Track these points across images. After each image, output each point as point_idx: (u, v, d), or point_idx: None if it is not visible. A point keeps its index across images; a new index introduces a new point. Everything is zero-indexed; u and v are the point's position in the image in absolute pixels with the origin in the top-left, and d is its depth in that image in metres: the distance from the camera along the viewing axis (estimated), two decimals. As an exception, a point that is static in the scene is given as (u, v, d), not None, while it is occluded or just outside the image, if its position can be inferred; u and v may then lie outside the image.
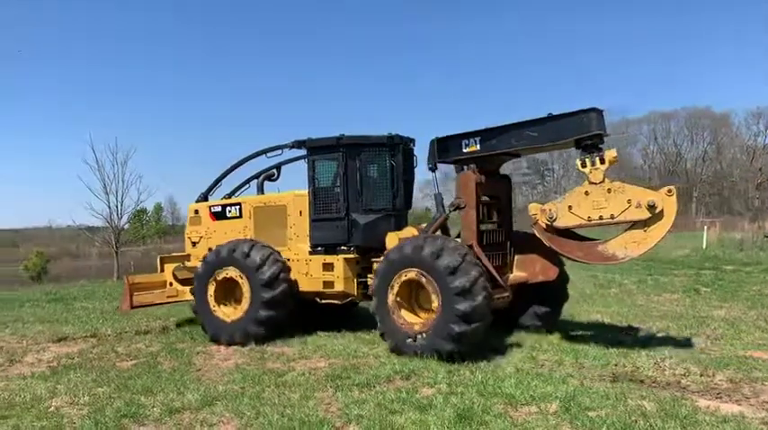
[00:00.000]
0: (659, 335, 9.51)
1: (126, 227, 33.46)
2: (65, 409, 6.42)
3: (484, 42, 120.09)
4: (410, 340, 8.11)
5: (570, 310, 11.76)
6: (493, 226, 9.46)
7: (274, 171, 11.27)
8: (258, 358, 8.54)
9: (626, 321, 10.64)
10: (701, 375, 7.03)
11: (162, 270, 11.78)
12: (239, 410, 6.15)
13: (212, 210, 11.30)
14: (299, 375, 7.42)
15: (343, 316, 10.73)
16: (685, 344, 8.82)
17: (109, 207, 29.80)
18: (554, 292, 9.66)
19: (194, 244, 11.48)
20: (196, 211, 11.55)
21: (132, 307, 11.23)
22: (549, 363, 7.71)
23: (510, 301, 9.02)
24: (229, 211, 11.10)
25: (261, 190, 11.25)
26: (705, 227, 32.44)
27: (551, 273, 9.23)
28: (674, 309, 11.95)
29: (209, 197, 11.77)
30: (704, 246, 27.17)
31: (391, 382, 6.99)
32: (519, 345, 8.63)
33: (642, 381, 6.86)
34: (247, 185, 11.47)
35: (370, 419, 5.73)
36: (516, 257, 9.53)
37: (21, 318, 12.99)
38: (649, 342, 8.92)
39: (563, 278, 9.57)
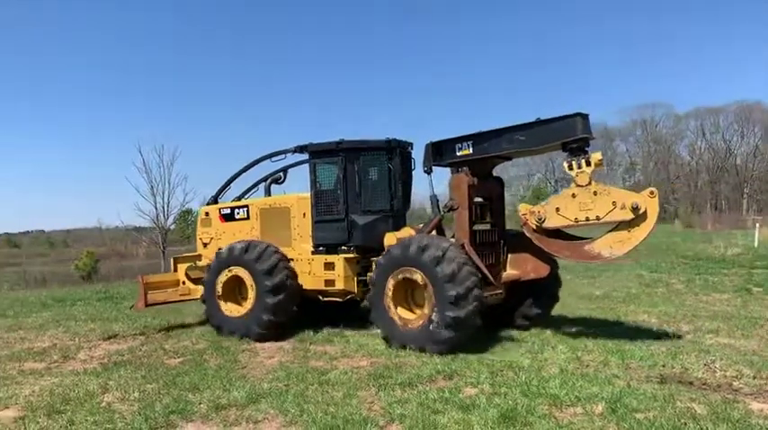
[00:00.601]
0: (709, 336, 9.26)
1: (172, 227, 34.28)
2: (116, 405, 6.60)
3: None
4: (432, 325, 8.37)
5: (616, 310, 11.58)
6: (486, 226, 9.82)
7: (281, 174, 11.70)
8: (302, 356, 8.64)
9: (674, 322, 10.39)
10: (755, 377, 6.82)
11: (175, 269, 12.17)
12: (284, 408, 6.24)
13: (222, 213, 11.75)
14: (341, 374, 7.48)
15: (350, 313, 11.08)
16: (737, 345, 8.57)
17: (155, 208, 30.64)
18: (546, 289, 9.95)
19: (205, 245, 11.89)
20: (207, 214, 12.04)
21: (146, 305, 11.58)
22: (595, 364, 7.59)
23: (504, 298, 9.54)
24: (237, 213, 11.55)
25: (268, 192, 11.67)
26: (757, 224, 31.37)
27: (543, 270, 9.55)
28: (724, 310, 11.61)
29: (219, 200, 12.25)
30: (756, 245, 26.32)
31: (433, 382, 6.99)
32: (562, 346, 8.51)
33: (691, 383, 6.69)
34: (256, 188, 11.89)
35: (413, 418, 5.74)
36: (509, 256, 9.87)
37: (73, 315, 13.41)
38: (699, 343, 8.70)
39: (554, 276, 9.84)
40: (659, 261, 21.65)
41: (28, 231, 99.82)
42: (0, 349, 10.03)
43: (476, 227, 9.50)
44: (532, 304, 9.91)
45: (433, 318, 8.34)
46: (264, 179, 11.70)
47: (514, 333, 9.51)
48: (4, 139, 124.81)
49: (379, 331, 9.19)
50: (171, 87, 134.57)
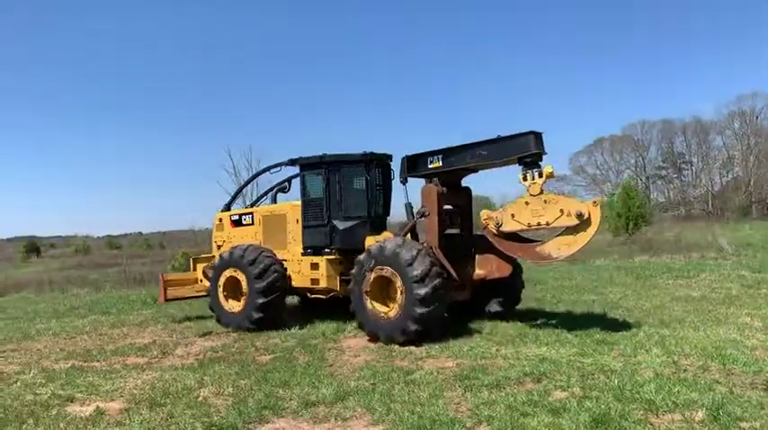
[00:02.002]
0: (822, 341, 8.60)
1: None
2: (211, 399, 6.88)
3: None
4: (402, 319, 9.37)
5: (715, 312, 10.99)
6: (456, 230, 10.91)
7: (287, 184, 12.88)
8: (386, 356, 8.70)
9: (781, 325, 9.72)
10: None
11: (194, 269, 13.59)
12: (370, 406, 6.31)
13: (232, 219, 13.23)
14: (427, 374, 7.47)
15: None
16: None
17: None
18: (509, 287, 11.04)
19: (219, 247, 13.21)
20: (220, 220, 13.48)
21: (166, 300, 13.35)
22: (693, 369, 7.21)
23: (473, 294, 10.89)
24: (245, 220, 12.98)
25: (274, 200, 13.01)
26: None
27: (505, 270, 10.50)
28: (838, 313, 10.75)
29: (232, 207, 13.88)
30: None
31: (521, 384, 6.86)
32: (657, 349, 8.14)
33: (803, 392, 6.24)
34: (265, 197, 13.29)
35: (501, 420, 5.66)
36: (477, 257, 10.77)
37: (170, 314, 14.11)
38: (810, 348, 8.10)
39: (516, 274, 10.93)
40: (763, 260, 20.33)
41: (127, 233, 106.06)
42: (105, 344, 10.71)
43: (448, 231, 10.66)
44: (497, 300, 11.09)
45: (403, 312, 9.33)
46: (272, 188, 13.04)
47: (606, 336, 9.20)
48: (119, 145, 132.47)
49: (476, 331, 9.69)
50: (260, 91, 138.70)
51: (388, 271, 9.61)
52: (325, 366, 8.26)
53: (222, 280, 11.75)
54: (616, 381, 6.66)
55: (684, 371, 7.14)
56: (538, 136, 9.47)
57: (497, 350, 8.63)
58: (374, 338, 9.74)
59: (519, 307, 11.51)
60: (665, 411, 5.74)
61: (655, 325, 9.96)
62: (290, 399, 6.69)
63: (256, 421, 6.08)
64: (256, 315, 11.07)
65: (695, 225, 46.15)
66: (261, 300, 11.06)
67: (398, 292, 9.48)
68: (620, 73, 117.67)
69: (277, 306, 11.42)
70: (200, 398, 6.91)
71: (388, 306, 9.78)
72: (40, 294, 24.12)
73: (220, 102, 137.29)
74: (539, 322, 10.68)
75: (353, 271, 10.18)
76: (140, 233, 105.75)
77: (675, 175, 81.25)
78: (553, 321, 10.69)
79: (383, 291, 9.98)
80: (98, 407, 6.73)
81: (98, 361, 9.28)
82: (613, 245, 31.93)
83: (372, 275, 9.82)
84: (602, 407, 5.84)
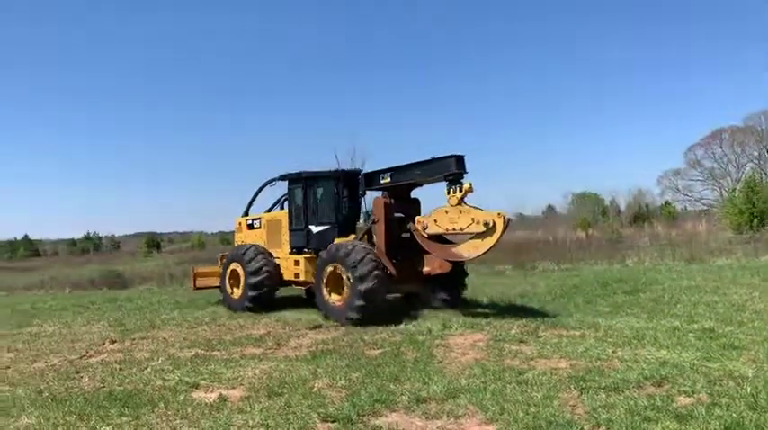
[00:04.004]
0: None
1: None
2: (325, 391, 7.07)
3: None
4: (347, 307, 11.73)
5: None
6: (407, 235, 12.58)
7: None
8: (496, 355, 8.58)
9: None
10: None
11: (221, 263, 15.72)
12: (483, 404, 6.24)
13: (247, 223, 16.06)
14: (540, 374, 7.29)
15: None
16: None
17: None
18: (451, 280, 12.98)
19: None
20: (239, 224, 16.36)
21: (195, 288, 16.71)
22: (838, 379, 6.60)
23: (422, 287, 13.17)
24: (255, 224, 15.77)
25: (282, 207, 15.17)
26: None
27: (446, 266, 12.28)
28: None
29: (249, 212, 16.37)
30: None
31: (642, 388, 6.55)
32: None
33: None
34: (277, 204, 15.56)
35: (622, 425, 5.43)
36: (425, 257, 12.52)
37: (281, 306, 14.64)
38: None
39: (457, 270, 12.70)
40: None
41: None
42: (224, 334, 11.29)
43: (403, 235, 12.62)
44: (442, 290, 13.18)
45: (348, 301, 11.63)
46: (279, 199, 15.40)
47: (734, 340, 8.60)
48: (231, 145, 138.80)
49: (588, 331, 9.67)
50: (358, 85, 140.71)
51: (339, 268, 11.91)
52: (434, 362, 8.27)
53: (228, 272, 14.75)
54: (748, 388, 6.22)
55: (827, 380, 6.55)
56: (459, 158, 11.39)
57: (613, 352, 8.30)
58: (326, 317, 12.23)
59: (633, 306, 11.06)
60: (807, 423, 5.29)
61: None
62: (402, 394, 6.73)
63: (370, 414, 6.16)
64: (248, 304, 14.01)
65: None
66: (253, 292, 13.93)
67: (345, 285, 11.75)
68: (740, 60, 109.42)
69: (266, 295, 14.13)
70: (315, 389, 7.12)
71: (340, 295, 11.98)
72: (161, 286, 25.79)
73: (328, 98, 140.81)
74: (654, 323, 10.17)
75: (317, 266, 12.57)
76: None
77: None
78: (671, 323, 10.15)
79: (337, 283, 12.10)
80: (221, 394, 7.09)
81: (218, 350, 9.79)
82: (735, 243, 29.86)
83: (329, 270, 12.16)
84: (734, 415, 5.47)
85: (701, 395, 6.18)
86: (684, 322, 10.18)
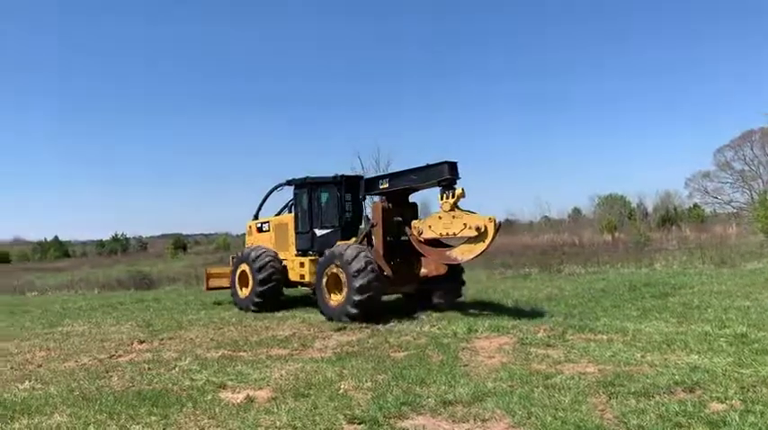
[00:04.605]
0: None
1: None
2: (351, 392, 7.07)
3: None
4: (345, 305, 12.35)
5: None
6: (405, 238, 12.94)
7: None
8: (523, 359, 8.50)
9: None
10: None
11: (232, 265, 16.15)
12: (510, 408, 6.18)
13: (257, 226, 16.74)
14: (567, 379, 7.20)
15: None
16: None
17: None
18: (448, 282, 13.28)
19: None
20: (250, 227, 17.00)
21: (208, 288, 17.26)
22: None
23: (420, 288, 13.54)
24: (264, 227, 16.43)
25: (289, 211, 15.82)
26: None
27: (442, 269, 12.83)
28: None
29: (259, 216, 17.00)
30: None
31: (672, 394, 6.44)
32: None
33: None
34: (286, 208, 16.17)
35: (653, 431, 5.35)
36: (422, 259, 13.12)
37: (305, 308, 14.73)
38: None
39: (454, 272, 13.17)
40: None
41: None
42: (250, 335, 11.37)
43: (402, 238, 12.99)
44: (439, 293, 13.38)
45: (346, 299, 12.20)
46: (288, 203, 16.01)
47: (767, 345, 8.42)
48: (257, 147, 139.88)
49: (616, 335, 9.39)
50: (385, 91, 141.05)
51: (338, 268, 12.49)
52: (459, 365, 8.23)
53: (238, 272, 15.48)
54: (784, 396, 6.08)
55: None
56: (452, 165, 11.76)
57: (642, 356, 8.17)
58: (328, 319, 12.54)
59: (662, 310, 10.88)
60: None
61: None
62: (428, 397, 6.71)
63: (396, 417, 6.15)
64: (257, 299, 14.65)
65: None
66: (260, 289, 14.60)
67: (343, 285, 12.29)
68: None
69: (273, 295, 14.79)
70: (341, 391, 7.13)
71: (338, 295, 12.56)
72: (188, 287, 26.08)
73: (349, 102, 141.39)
74: (684, 328, 10.01)
75: (317, 268, 13.20)
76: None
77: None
78: (702, 328, 9.97)
79: (337, 284, 12.67)
80: (248, 394, 7.14)
81: (245, 351, 9.87)
82: (766, 247, 29.24)
83: (329, 271, 12.73)
84: (769, 423, 5.36)
85: (733, 401, 6.06)
86: (715, 327, 9.98)
